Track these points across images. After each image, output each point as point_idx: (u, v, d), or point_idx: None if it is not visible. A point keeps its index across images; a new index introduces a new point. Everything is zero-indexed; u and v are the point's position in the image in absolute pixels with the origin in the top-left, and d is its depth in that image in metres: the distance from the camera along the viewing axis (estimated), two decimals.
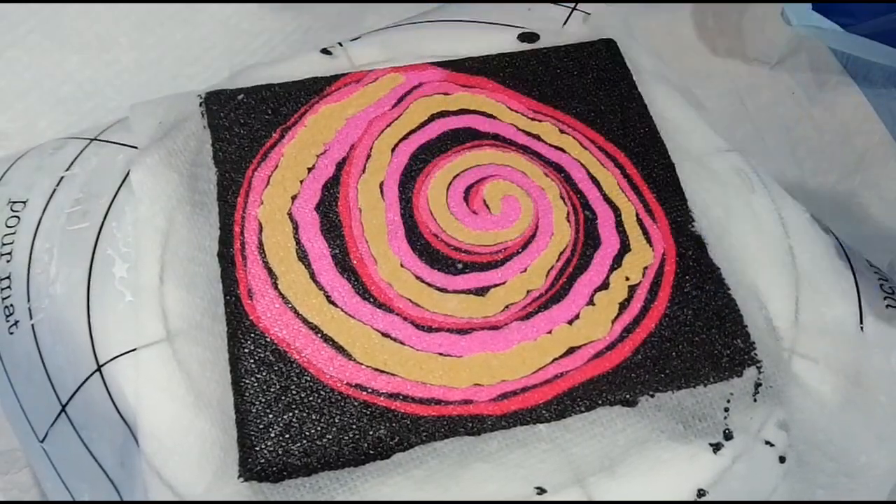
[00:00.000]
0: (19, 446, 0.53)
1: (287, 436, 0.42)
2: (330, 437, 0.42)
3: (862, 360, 0.47)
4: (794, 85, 0.60)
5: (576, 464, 0.43)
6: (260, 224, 0.48)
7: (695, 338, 0.45)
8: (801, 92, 0.59)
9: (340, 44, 0.61)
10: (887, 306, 0.50)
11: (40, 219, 0.52)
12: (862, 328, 0.48)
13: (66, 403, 0.48)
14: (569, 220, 0.50)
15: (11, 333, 0.50)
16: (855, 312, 0.49)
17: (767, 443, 0.44)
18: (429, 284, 0.47)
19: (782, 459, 0.45)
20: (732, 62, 0.60)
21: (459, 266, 0.48)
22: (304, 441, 0.42)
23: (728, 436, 0.44)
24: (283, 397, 0.43)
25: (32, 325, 0.49)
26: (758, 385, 0.45)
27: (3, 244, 0.52)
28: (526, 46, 0.60)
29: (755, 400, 0.45)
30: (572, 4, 0.64)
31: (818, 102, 0.59)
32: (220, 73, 0.69)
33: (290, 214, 0.49)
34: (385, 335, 0.45)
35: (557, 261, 0.48)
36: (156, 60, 0.69)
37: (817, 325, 0.48)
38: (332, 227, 0.48)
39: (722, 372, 0.45)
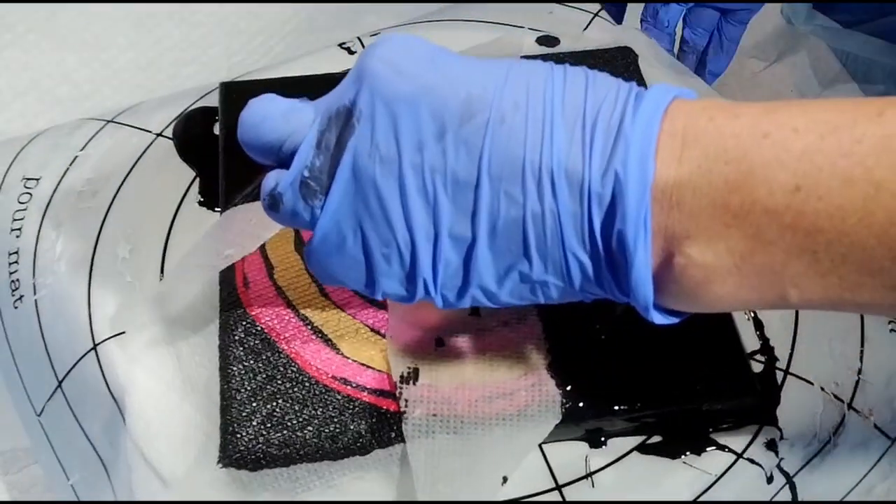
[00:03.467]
0: (19, 446, 0.54)
1: (268, 425, 0.42)
2: (311, 429, 0.42)
3: (860, 383, 0.47)
4: (794, 83, 0.58)
5: (555, 467, 0.43)
6: None
7: (692, 358, 0.45)
8: (800, 89, 0.58)
9: (359, 38, 0.61)
10: (891, 330, 0.49)
11: (52, 197, 0.53)
12: (862, 351, 0.47)
13: (63, 379, 0.48)
14: None
15: (16, 308, 0.51)
16: (857, 333, 0.48)
17: (753, 462, 0.44)
18: None
19: (770, 479, 0.44)
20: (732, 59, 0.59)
21: None
22: (285, 431, 0.42)
23: (716, 452, 0.43)
24: (267, 386, 0.43)
25: (36, 301, 0.50)
26: (749, 407, 0.44)
27: (14, 220, 0.53)
28: (544, 50, 0.60)
29: (743, 420, 0.44)
30: (595, 9, 0.64)
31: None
32: (218, 73, 0.70)
33: None
34: (374, 331, 0.45)
35: None
36: (154, 60, 0.70)
37: (816, 346, 0.47)
38: None
39: (717, 395, 0.44)
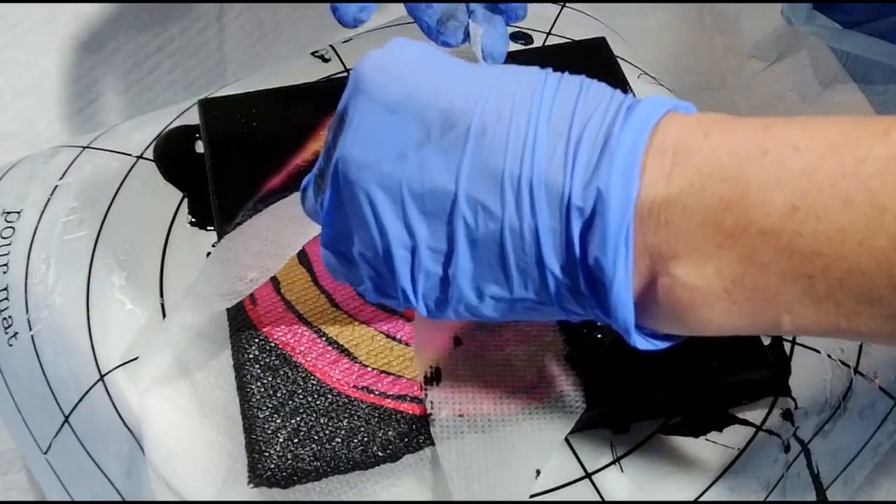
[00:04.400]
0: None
1: (295, 440, 0.42)
2: (339, 440, 0.42)
3: (864, 347, 0.48)
4: (794, 83, 0.60)
5: (582, 456, 0.43)
6: None
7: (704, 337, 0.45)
8: (800, 89, 0.59)
9: (332, 46, 0.61)
10: None
11: (35, 229, 0.52)
12: None
13: (69, 414, 0.47)
14: None
15: (11, 345, 0.50)
16: None
17: (772, 433, 0.45)
18: None
19: (787, 448, 0.45)
20: (731, 59, 0.60)
21: None
22: (313, 445, 0.42)
23: (736, 426, 0.44)
24: (289, 401, 0.43)
25: (32, 337, 0.49)
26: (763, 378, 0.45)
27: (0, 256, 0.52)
28: (519, 46, 0.60)
29: (759, 392, 0.45)
30: (561, 3, 0.65)
31: (817, 100, 0.59)
32: (218, 73, 0.69)
33: None
34: (390, 337, 0.45)
35: None
36: (154, 61, 0.69)
37: None
38: None
39: (733, 370, 0.45)
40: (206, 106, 0.55)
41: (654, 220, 0.30)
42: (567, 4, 0.64)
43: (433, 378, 0.43)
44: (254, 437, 0.42)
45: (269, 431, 0.42)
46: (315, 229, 0.42)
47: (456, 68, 0.33)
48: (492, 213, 0.31)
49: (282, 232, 0.43)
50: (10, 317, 0.50)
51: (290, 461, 0.41)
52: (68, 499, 0.48)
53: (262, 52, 0.69)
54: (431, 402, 0.42)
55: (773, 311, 0.30)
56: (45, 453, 0.49)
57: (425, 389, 0.42)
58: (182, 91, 0.68)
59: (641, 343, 0.33)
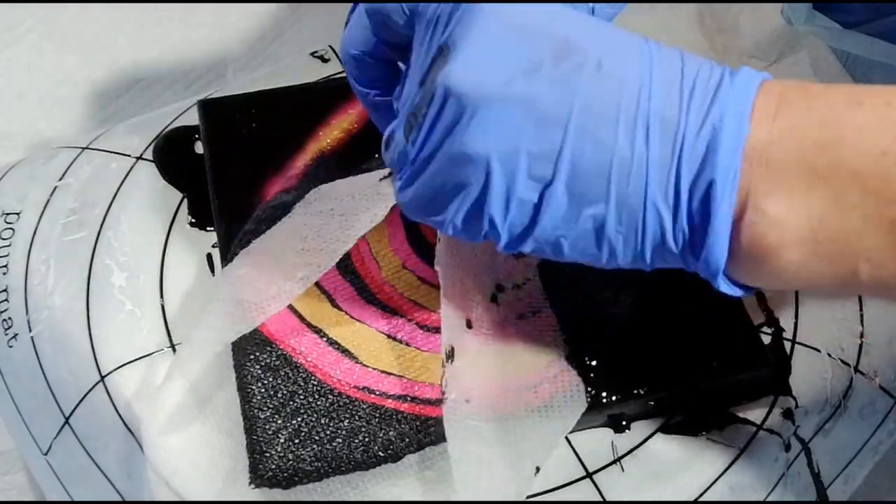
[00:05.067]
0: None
1: (297, 441, 0.42)
2: (340, 440, 0.42)
3: (864, 346, 0.48)
4: None
5: (583, 455, 0.43)
6: None
7: (703, 334, 0.45)
8: None
9: (332, 47, 0.61)
10: None
11: (35, 230, 0.52)
12: (862, 314, 0.49)
13: (70, 415, 0.47)
14: None
15: (10, 347, 0.50)
16: (855, 297, 0.50)
17: (773, 432, 0.45)
18: (431, 285, 0.47)
19: (787, 447, 0.45)
20: (731, 59, 0.60)
21: None
22: (314, 446, 0.42)
23: (736, 426, 0.44)
24: (290, 402, 0.43)
25: (32, 338, 0.49)
26: (764, 377, 0.45)
27: None
28: None
29: (759, 391, 0.45)
30: None
31: None
32: (218, 73, 0.69)
33: None
34: (390, 337, 0.45)
35: None
36: (154, 61, 0.69)
37: (818, 314, 0.48)
38: None
39: (733, 369, 0.45)
40: (206, 106, 0.55)
41: (756, 159, 0.31)
42: None
43: (450, 356, 0.43)
44: (255, 437, 0.42)
45: (270, 432, 0.42)
46: (366, 217, 0.43)
47: (568, 9, 0.34)
48: (603, 142, 0.31)
49: (324, 227, 0.43)
50: (10, 318, 0.50)
51: (290, 462, 0.41)
52: (67, 497, 0.48)
53: (262, 52, 0.69)
54: (446, 381, 0.42)
55: (853, 257, 0.30)
56: (46, 454, 0.49)
57: (444, 366, 0.42)
58: (182, 91, 0.68)
59: (725, 287, 0.33)
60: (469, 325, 0.44)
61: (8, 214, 0.53)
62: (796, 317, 0.48)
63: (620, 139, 0.31)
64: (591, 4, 0.39)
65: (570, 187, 0.32)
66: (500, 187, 0.33)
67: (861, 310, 0.49)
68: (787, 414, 0.45)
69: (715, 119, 0.31)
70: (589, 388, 0.43)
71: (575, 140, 0.32)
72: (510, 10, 0.32)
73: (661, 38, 0.33)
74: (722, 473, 0.44)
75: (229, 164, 0.52)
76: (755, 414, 0.45)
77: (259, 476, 0.41)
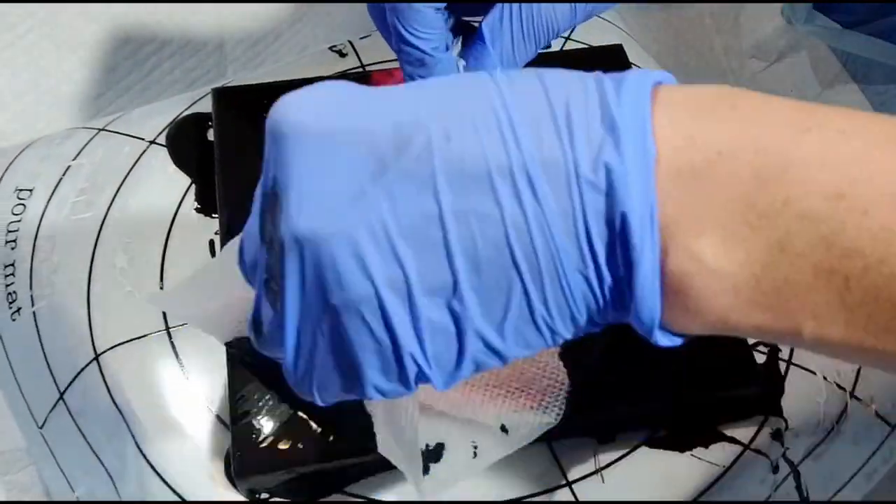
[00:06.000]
0: (19, 446, 0.53)
1: (284, 438, 0.42)
2: (329, 440, 0.42)
3: (861, 371, 0.47)
4: (793, 82, 0.59)
5: (564, 463, 0.43)
6: None
7: (694, 349, 0.45)
8: (800, 89, 0.58)
9: (350, 42, 0.61)
10: None
11: (45, 207, 0.53)
12: None
13: (64, 391, 0.48)
14: None
15: (14, 320, 0.51)
16: None
17: (760, 452, 0.44)
18: None
19: (775, 469, 0.44)
20: (731, 59, 0.59)
21: None
22: (302, 443, 0.42)
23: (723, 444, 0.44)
24: (279, 399, 0.43)
25: (34, 313, 0.50)
26: (754, 396, 0.45)
27: (9, 231, 0.52)
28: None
29: (749, 410, 0.45)
30: None
31: (817, 100, 0.58)
32: (218, 73, 0.70)
33: None
34: None
35: None
36: (154, 61, 0.69)
37: None
38: None
39: (723, 385, 0.44)
40: (220, 94, 0.55)
41: (677, 189, 0.26)
42: None
43: None
44: (241, 432, 0.42)
45: (257, 427, 0.42)
46: None
47: (389, 90, 0.29)
48: (489, 216, 0.27)
49: None
50: (14, 292, 0.51)
51: (276, 459, 0.41)
52: (60, 473, 0.49)
53: (262, 51, 0.70)
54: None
55: (799, 313, 0.26)
56: (41, 428, 0.50)
57: None
58: (182, 91, 0.69)
59: (663, 340, 0.29)
60: None
61: (21, 191, 0.54)
62: None
63: (505, 205, 0.26)
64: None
65: (478, 285, 0.27)
66: (403, 317, 0.28)
67: None
68: (777, 435, 0.45)
69: (609, 149, 0.26)
70: (573, 396, 0.43)
71: (458, 229, 0.27)
72: (327, 114, 0.28)
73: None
74: (704, 491, 0.43)
75: (238, 153, 0.52)
76: (743, 433, 0.45)
77: (243, 469, 0.41)
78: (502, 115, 0.27)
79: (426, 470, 0.41)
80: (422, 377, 0.29)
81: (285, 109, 0.28)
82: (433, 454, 0.41)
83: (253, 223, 0.30)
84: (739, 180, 0.26)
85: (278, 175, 0.28)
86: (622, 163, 0.26)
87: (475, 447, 0.41)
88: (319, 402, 0.31)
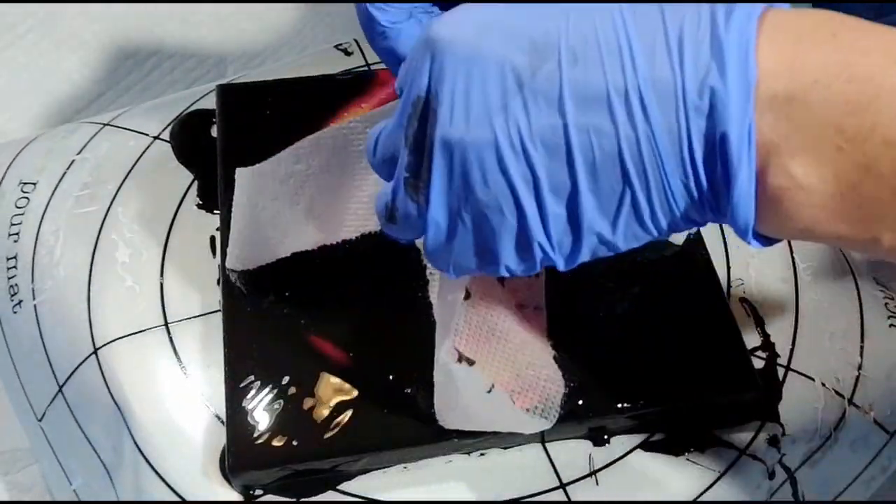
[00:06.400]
0: (20, 446, 0.54)
1: (280, 434, 0.42)
2: (324, 438, 0.42)
3: (860, 378, 0.47)
4: None
5: (559, 465, 0.43)
6: None
7: (693, 354, 0.45)
8: None
9: (356, 40, 0.61)
10: (890, 325, 0.49)
11: (49, 201, 0.53)
12: (863, 346, 0.48)
13: (63, 384, 0.48)
14: None
15: (15, 313, 0.51)
16: (857, 329, 0.48)
17: (756, 458, 0.44)
18: None
19: (771, 475, 0.44)
20: None
21: None
22: (296, 441, 0.42)
23: (718, 448, 0.44)
24: (277, 396, 0.43)
25: (35, 306, 0.50)
26: (751, 401, 0.45)
27: (12, 224, 0.53)
28: None
29: (746, 416, 0.45)
30: None
31: None
32: (218, 73, 0.70)
33: None
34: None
35: None
36: (154, 61, 0.70)
37: (816, 342, 0.47)
38: None
39: (720, 390, 0.44)
40: (224, 91, 0.55)
41: (774, 113, 0.29)
42: None
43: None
44: (237, 428, 0.42)
45: (253, 424, 0.42)
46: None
47: (525, 8, 0.33)
48: (604, 132, 0.31)
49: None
50: (16, 284, 0.51)
51: (271, 455, 0.41)
52: (58, 465, 0.49)
53: (262, 51, 0.70)
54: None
55: (878, 225, 0.29)
56: (40, 420, 0.50)
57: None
58: (182, 91, 0.69)
59: (756, 243, 0.32)
60: (468, 294, 0.43)
61: (25, 184, 0.54)
62: (793, 343, 0.47)
63: (619, 121, 0.30)
64: None
65: (595, 187, 0.32)
66: (534, 211, 0.32)
67: (862, 341, 0.48)
68: (773, 441, 0.44)
69: (714, 72, 0.29)
70: (568, 397, 0.42)
71: (579, 141, 0.31)
72: (476, 34, 0.32)
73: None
74: (699, 496, 0.43)
75: (240, 149, 0.52)
76: (740, 438, 0.44)
77: (238, 465, 0.41)
78: (623, 38, 0.30)
79: None
80: (546, 260, 0.34)
81: (445, 28, 0.32)
82: None
83: (393, 127, 0.35)
84: (831, 107, 0.28)
85: (434, 86, 0.32)
86: (725, 86, 0.29)
87: None
88: (452, 276, 0.36)
